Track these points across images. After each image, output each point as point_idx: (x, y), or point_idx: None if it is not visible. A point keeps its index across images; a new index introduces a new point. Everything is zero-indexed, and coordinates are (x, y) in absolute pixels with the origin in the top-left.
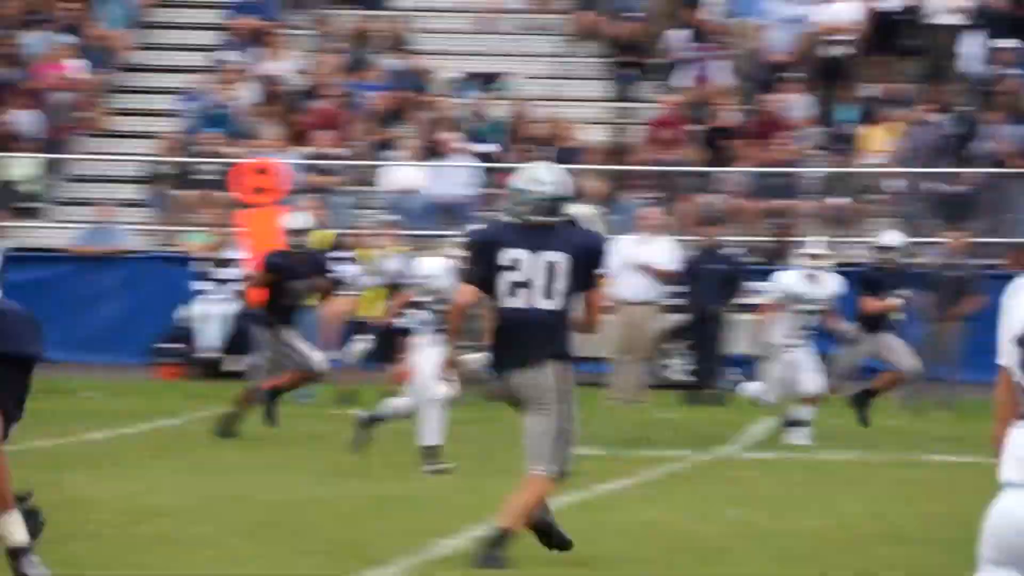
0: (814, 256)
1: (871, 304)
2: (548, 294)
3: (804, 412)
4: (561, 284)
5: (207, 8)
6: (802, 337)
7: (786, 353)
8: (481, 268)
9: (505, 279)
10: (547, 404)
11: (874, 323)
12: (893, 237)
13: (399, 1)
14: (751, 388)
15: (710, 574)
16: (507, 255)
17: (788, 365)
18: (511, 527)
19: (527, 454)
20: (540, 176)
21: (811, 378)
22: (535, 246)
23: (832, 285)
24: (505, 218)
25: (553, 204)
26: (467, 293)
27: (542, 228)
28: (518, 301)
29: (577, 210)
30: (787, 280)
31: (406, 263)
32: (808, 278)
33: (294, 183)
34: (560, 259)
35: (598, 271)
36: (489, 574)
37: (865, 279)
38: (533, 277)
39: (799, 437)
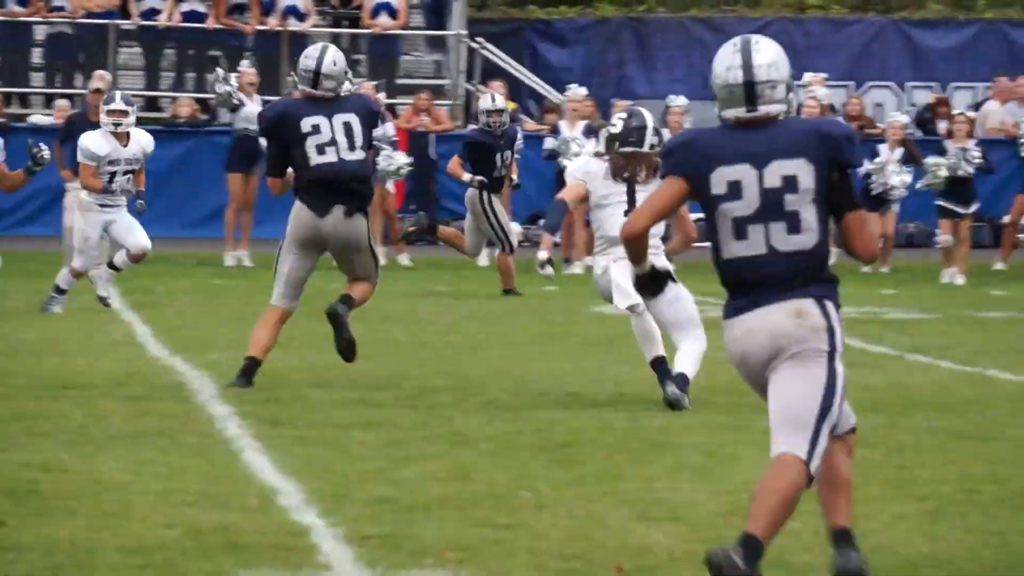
0: (111, 113)
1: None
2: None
3: (104, 273)
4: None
5: None
6: (121, 200)
7: (107, 215)
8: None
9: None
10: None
11: None
12: (499, 100)
13: None
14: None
15: None
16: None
17: (119, 227)
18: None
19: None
20: (309, 52)
21: (140, 237)
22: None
23: (142, 143)
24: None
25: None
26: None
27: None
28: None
29: None
30: (90, 141)
31: None
32: (113, 136)
33: None
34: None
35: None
36: None
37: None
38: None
39: (55, 306)
